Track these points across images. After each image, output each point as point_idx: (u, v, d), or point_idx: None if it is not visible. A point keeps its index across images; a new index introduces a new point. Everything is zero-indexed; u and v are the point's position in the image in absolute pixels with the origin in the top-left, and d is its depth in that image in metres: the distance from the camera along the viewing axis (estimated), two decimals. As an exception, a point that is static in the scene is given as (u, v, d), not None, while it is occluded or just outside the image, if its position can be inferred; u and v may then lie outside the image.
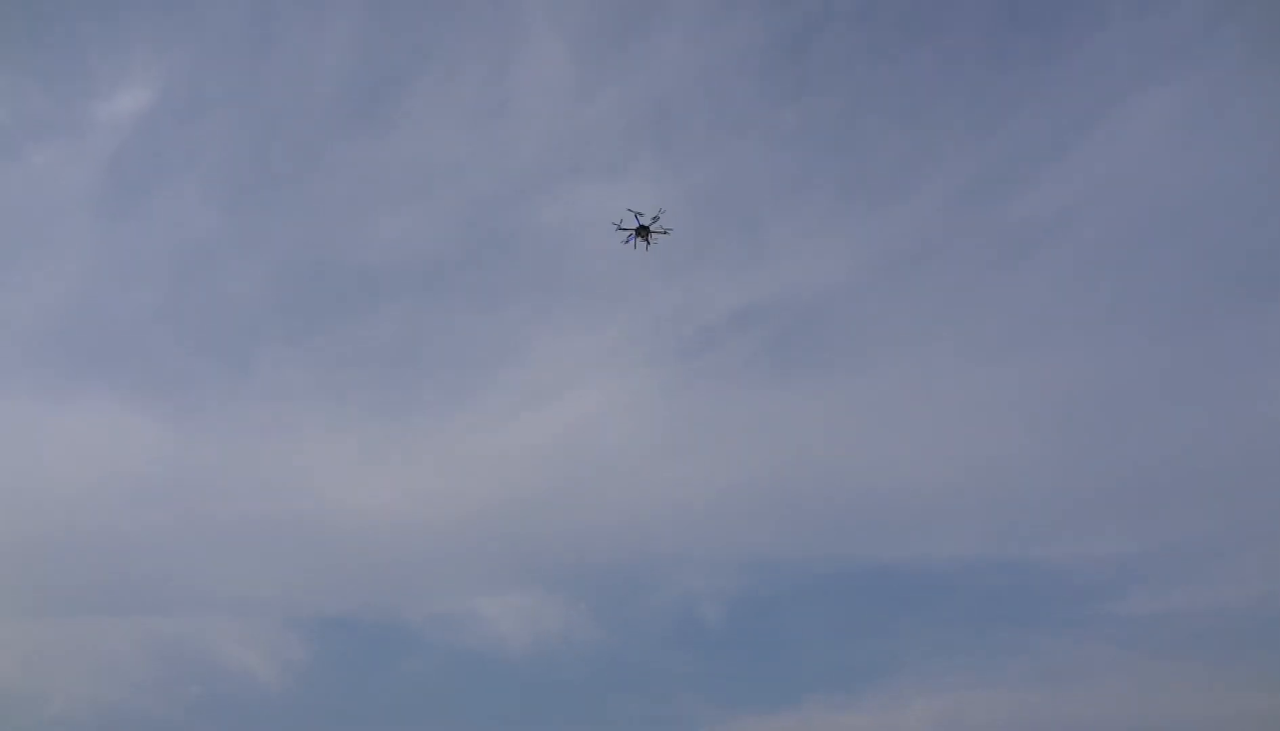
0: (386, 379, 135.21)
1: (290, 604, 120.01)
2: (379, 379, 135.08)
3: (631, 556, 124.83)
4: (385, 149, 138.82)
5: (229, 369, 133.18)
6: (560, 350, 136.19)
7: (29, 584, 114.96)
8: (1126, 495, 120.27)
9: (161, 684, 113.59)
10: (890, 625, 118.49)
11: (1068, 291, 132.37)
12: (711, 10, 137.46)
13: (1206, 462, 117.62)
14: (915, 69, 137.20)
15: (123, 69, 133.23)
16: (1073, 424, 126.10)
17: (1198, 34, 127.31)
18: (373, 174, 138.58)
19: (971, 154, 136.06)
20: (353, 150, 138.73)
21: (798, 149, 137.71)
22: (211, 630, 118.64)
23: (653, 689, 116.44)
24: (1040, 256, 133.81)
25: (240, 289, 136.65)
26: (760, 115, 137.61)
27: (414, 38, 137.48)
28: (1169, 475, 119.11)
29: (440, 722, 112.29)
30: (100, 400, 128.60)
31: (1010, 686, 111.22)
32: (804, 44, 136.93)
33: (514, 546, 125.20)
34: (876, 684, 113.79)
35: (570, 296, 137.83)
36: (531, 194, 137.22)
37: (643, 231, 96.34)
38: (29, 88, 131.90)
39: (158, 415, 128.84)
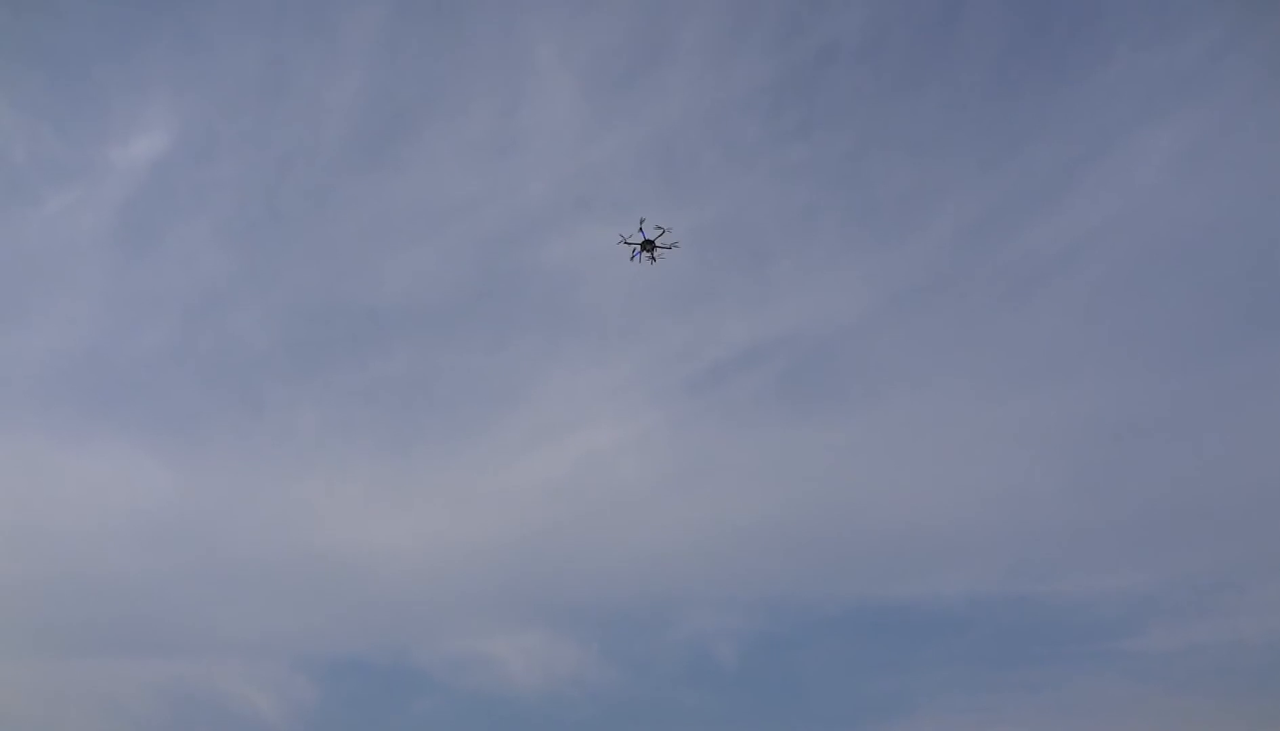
0: (396, 417, 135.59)
1: (299, 645, 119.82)
2: (389, 417, 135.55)
3: (643, 595, 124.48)
4: (395, 188, 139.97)
5: (239, 408, 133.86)
6: (569, 387, 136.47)
7: (37, 624, 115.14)
8: (1142, 528, 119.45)
9: (170, 725, 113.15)
10: (905, 662, 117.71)
11: (1079, 324, 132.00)
12: (719, 48, 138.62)
13: (1222, 494, 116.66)
14: (922, 104, 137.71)
15: (138, 113, 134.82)
16: (1086, 457, 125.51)
17: (1205, 65, 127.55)
18: (382, 213, 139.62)
19: (980, 188, 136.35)
20: (362, 190, 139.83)
21: (806, 184, 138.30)
22: (220, 671, 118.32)
23: (666, 729, 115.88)
24: (1050, 290, 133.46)
25: (251, 329, 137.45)
26: (768, 151, 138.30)
27: (424, 78, 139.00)
28: (1185, 507, 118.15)
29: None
30: (110, 441, 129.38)
31: (1027, 724, 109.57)
32: (811, 81, 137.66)
33: (525, 585, 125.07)
34: (891, 722, 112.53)
35: (579, 333, 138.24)
36: (540, 231, 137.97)
37: (648, 245, 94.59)
38: (45, 132, 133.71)
39: (168, 455, 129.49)
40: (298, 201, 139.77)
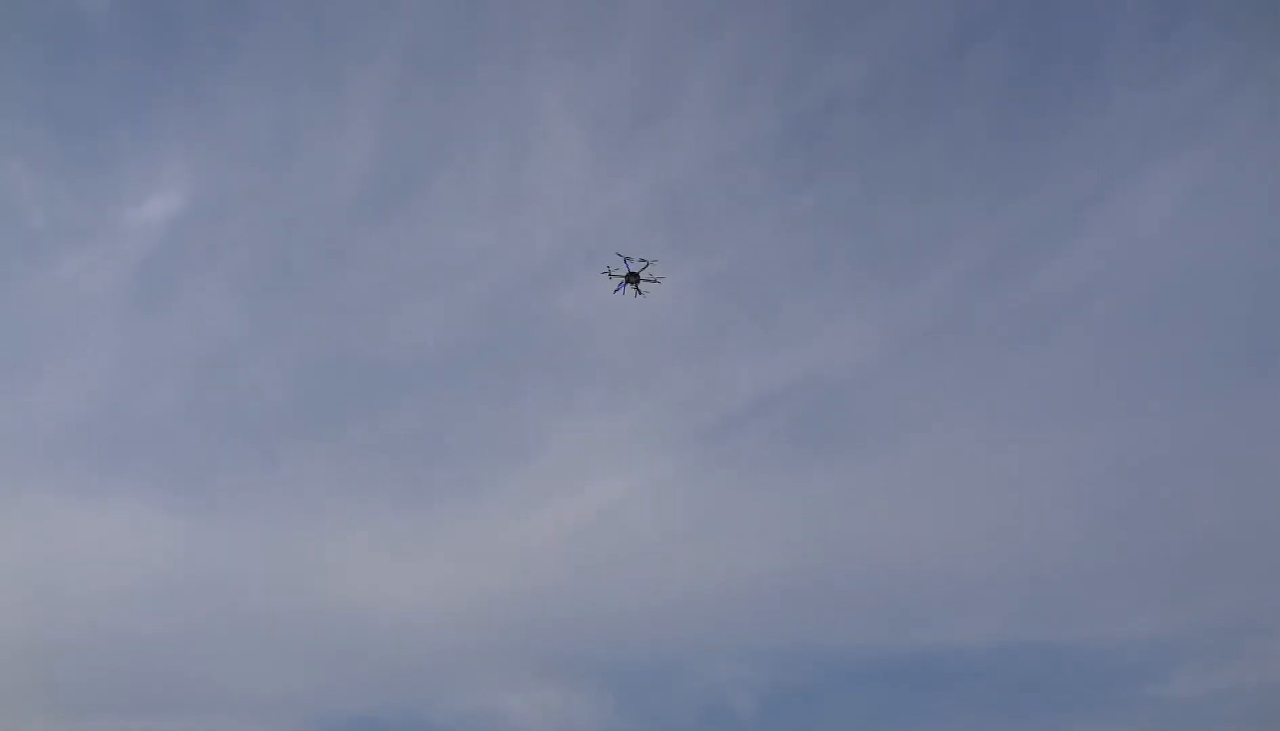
0: (409, 471, 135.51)
1: (311, 702, 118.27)
2: (401, 471, 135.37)
3: (658, 646, 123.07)
4: (405, 243, 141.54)
5: (251, 463, 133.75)
6: (581, 438, 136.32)
7: (50, 683, 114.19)
8: (1163, 571, 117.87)
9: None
10: (925, 711, 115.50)
11: (1090, 365, 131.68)
12: (724, 98, 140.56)
13: (1245, 534, 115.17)
14: (926, 150, 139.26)
15: (152, 174, 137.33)
16: (1103, 499, 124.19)
17: (1207, 104, 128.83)
18: (393, 268, 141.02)
19: (986, 231, 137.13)
20: (373, 245, 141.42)
21: (813, 231, 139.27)
22: (233, 730, 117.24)
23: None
24: (1061, 331, 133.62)
25: (263, 385, 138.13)
26: (775, 199, 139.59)
27: (432, 134, 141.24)
28: (1207, 549, 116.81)
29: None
30: (123, 497, 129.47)
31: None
32: (816, 128, 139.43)
33: (538, 639, 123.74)
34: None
35: (590, 384, 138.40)
36: (550, 283, 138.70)
37: (632, 278, 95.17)
38: (61, 194, 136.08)
39: (180, 512, 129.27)
40: (309, 258, 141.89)
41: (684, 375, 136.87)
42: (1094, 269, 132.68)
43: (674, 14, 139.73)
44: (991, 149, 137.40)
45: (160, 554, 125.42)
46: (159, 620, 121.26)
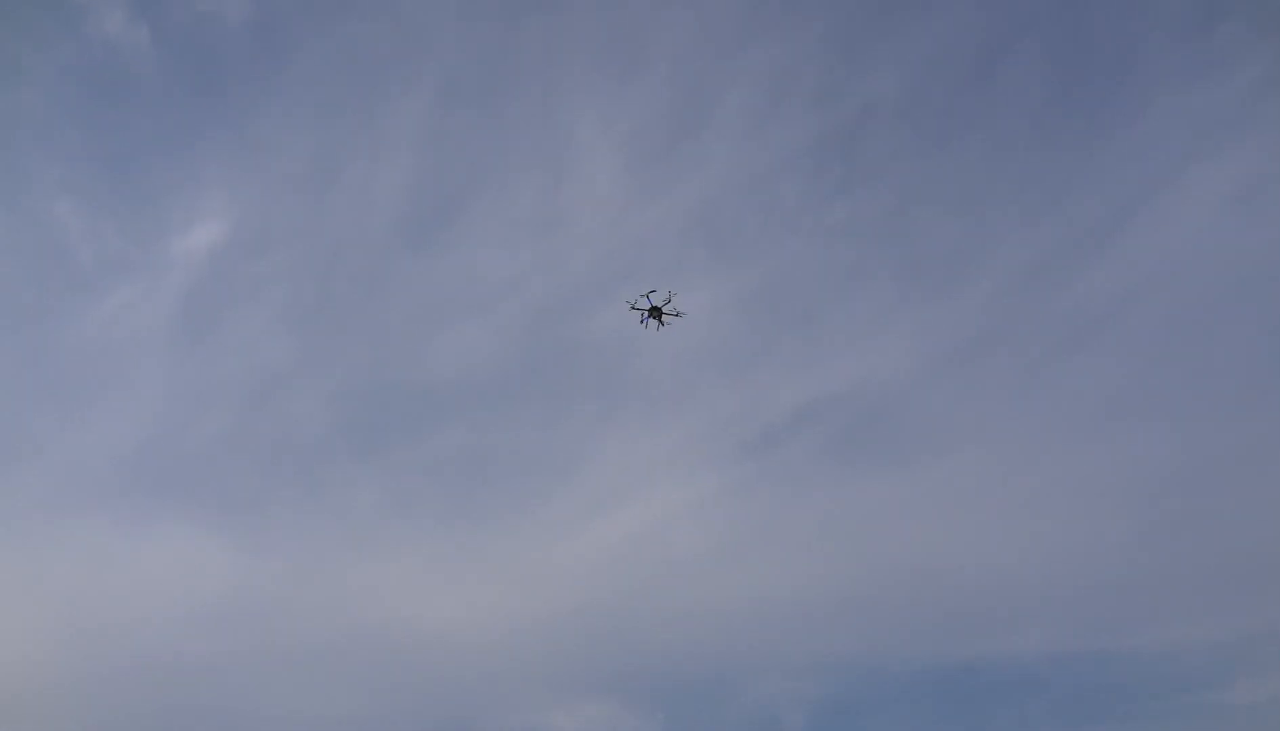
0: (453, 493, 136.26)
1: (363, 725, 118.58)
2: (446, 493, 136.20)
3: (707, 662, 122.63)
4: (444, 268, 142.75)
5: (298, 490, 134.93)
6: (624, 456, 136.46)
7: (101, 711, 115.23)
8: (1220, 577, 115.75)
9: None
10: (981, 724, 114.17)
11: (1138, 371, 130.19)
12: (758, 111, 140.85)
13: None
14: (963, 158, 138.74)
15: (196, 207, 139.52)
16: (1156, 506, 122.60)
17: (1248, 103, 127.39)
18: (433, 294, 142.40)
19: (1026, 239, 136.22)
20: (413, 271, 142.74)
21: (850, 243, 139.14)
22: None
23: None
24: (1107, 337, 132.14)
25: (308, 412, 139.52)
26: (812, 211, 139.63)
27: (468, 160, 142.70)
28: (1263, 554, 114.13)
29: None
30: (172, 527, 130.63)
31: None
32: (851, 139, 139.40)
33: (587, 656, 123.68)
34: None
35: (631, 402, 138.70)
36: (589, 302, 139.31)
37: (655, 312, 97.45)
38: (107, 228, 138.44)
39: (228, 539, 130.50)
40: (350, 285, 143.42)
41: (725, 391, 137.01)
42: (1137, 275, 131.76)
43: (705, 31, 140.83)
44: (1029, 156, 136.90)
45: (210, 581, 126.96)
46: (209, 647, 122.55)
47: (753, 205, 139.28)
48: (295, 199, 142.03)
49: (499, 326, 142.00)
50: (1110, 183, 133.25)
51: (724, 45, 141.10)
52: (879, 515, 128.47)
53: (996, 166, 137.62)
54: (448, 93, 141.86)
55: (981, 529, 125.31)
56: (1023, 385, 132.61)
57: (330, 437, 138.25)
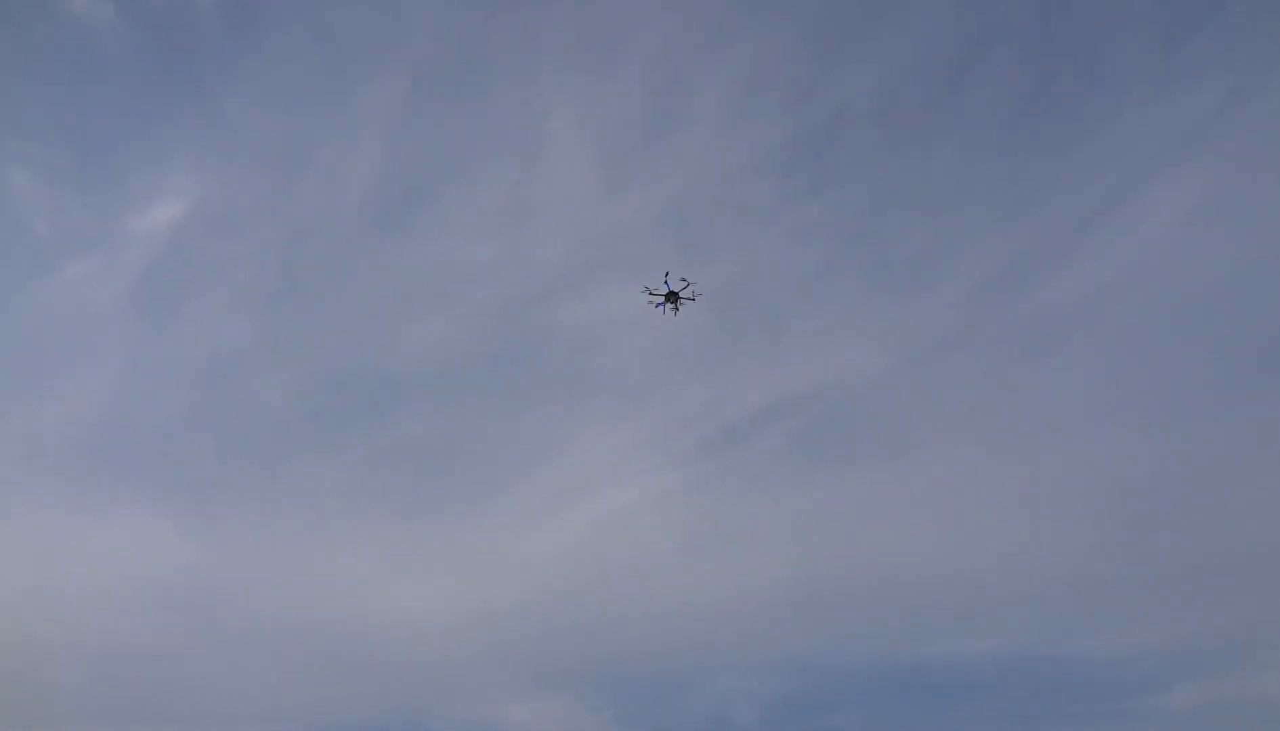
0: (413, 482, 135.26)
1: (315, 712, 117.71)
2: (406, 482, 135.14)
3: (662, 657, 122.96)
4: (412, 256, 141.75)
5: (255, 475, 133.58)
6: (587, 450, 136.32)
7: (51, 692, 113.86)
8: (1167, 584, 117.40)
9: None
10: (930, 723, 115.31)
11: (1098, 379, 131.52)
12: (732, 111, 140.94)
13: (1247, 548, 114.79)
14: (935, 162, 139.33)
15: (159, 183, 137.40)
16: (1108, 512, 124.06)
17: (1215, 116, 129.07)
18: (399, 280, 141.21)
19: (994, 244, 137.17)
20: (380, 257, 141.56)
21: (820, 243, 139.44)
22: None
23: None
24: (1068, 345, 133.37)
25: (268, 395, 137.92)
26: (782, 211, 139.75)
27: (440, 147, 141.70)
28: (1209, 562, 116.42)
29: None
30: (126, 508, 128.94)
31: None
32: (825, 139, 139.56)
33: (542, 650, 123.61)
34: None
35: (596, 396, 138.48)
36: (557, 295, 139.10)
37: (672, 297, 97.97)
38: (67, 202, 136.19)
39: (183, 522, 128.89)
40: (315, 269, 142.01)
41: (691, 387, 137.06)
42: (1102, 281, 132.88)
43: (683, 27, 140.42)
44: (1000, 161, 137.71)
45: (164, 564, 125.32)
46: (161, 630, 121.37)
47: (725, 202, 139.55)
48: (262, 180, 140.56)
49: (465, 316, 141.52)
50: (1079, 189, 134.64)
51: (701, 43, 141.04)
52: (841, 515, 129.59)
53: (967, 170, 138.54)
54: (422, 80, 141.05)
55: (940, 531, 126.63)
56: (986, 389, 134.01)
57: (290, 422, 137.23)
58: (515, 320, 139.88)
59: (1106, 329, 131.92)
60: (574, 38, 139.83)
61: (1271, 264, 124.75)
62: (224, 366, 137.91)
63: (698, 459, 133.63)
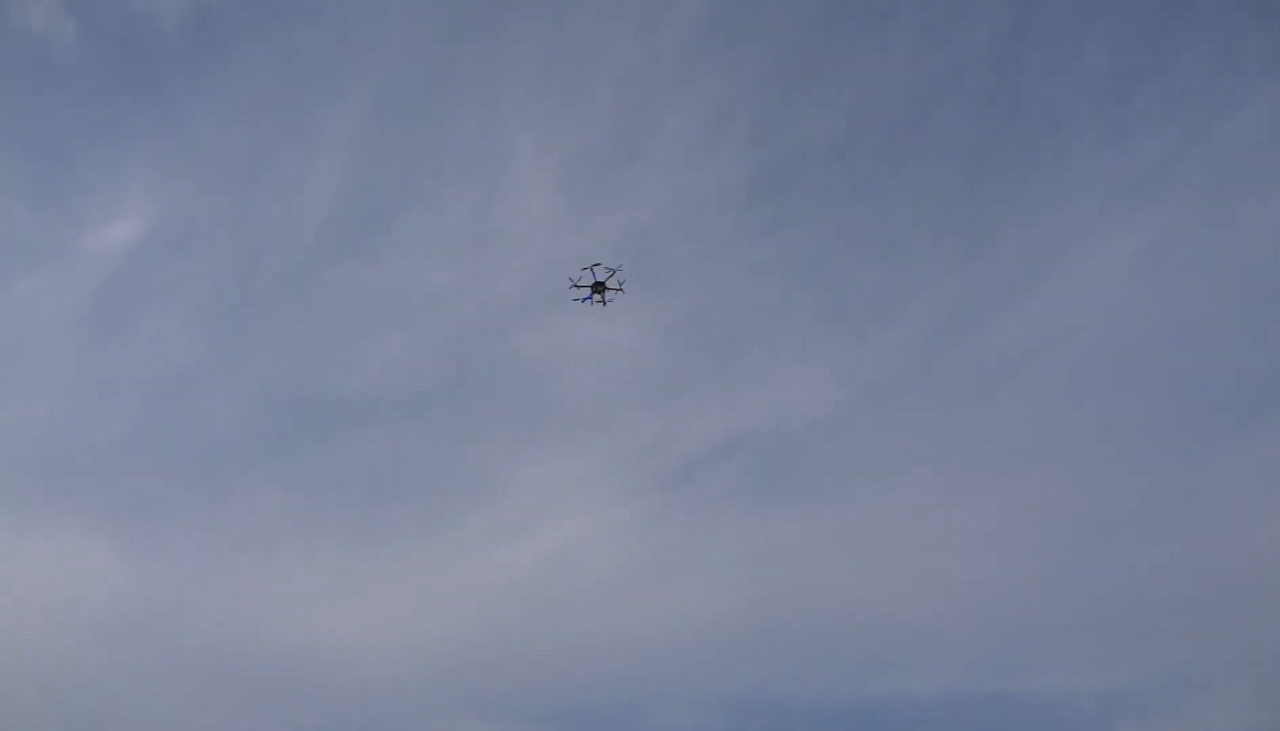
0: (365, 508, 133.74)
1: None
2: (357, 508, 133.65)
3: (612, 690, 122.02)
4: (369, 279, 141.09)
5: (202, 496, 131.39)
6: (540, 480, 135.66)
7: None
8: (1112, 625, 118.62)
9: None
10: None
11: (1046, 419, 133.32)
12: (694, 146, 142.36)
13: (1191, 590, 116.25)
14: (892, 203, 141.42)
15: (116, 200, 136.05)
16: (1055, 553, 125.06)
17: (1164, 165, 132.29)
18: (356, 303, 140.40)
19: (947, 285, 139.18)
20: (336, 280, 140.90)
21: (777, 280, 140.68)
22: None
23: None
24: (1017, 385, 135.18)
25: (217, 416, 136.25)
26: (741, 247, 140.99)
27: (401, 171, 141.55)
28: (1153, 604, 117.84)
29: None
30: (68, 527, 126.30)
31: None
32: (783, 179, 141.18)
33: (491, 680, 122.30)
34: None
35: (551, 426, 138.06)
36: (514, 324, 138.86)
37: (599, 288, 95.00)
38: (19, 214, 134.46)
39: (124, 544, 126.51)
40: (271, 289, 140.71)
41: (644, 419, 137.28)
42: (1050, 324, 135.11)
43: (649, 60, 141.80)
44: (955, 204, 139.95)
45: (104, 585, 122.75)
46: (100, 653, 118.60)
47: (685, 235, 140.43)
48: (220, 199, 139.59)
49: (421, 340, 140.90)
50: (1029, 234, 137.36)
51: (666, 77, 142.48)
52: (791, 551, 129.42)
53: (923, 213, 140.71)
54: (384, 103, 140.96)
55: (887, 570, 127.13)
56: (936, 429, 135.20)
57: (238, 443, 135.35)
58: (472, 347, 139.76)
59: (1055, 370, 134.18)
60: (539, 66, 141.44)
61: (1216, 310, 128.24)
62: (174, 386, 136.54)
63: (651, 491, 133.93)
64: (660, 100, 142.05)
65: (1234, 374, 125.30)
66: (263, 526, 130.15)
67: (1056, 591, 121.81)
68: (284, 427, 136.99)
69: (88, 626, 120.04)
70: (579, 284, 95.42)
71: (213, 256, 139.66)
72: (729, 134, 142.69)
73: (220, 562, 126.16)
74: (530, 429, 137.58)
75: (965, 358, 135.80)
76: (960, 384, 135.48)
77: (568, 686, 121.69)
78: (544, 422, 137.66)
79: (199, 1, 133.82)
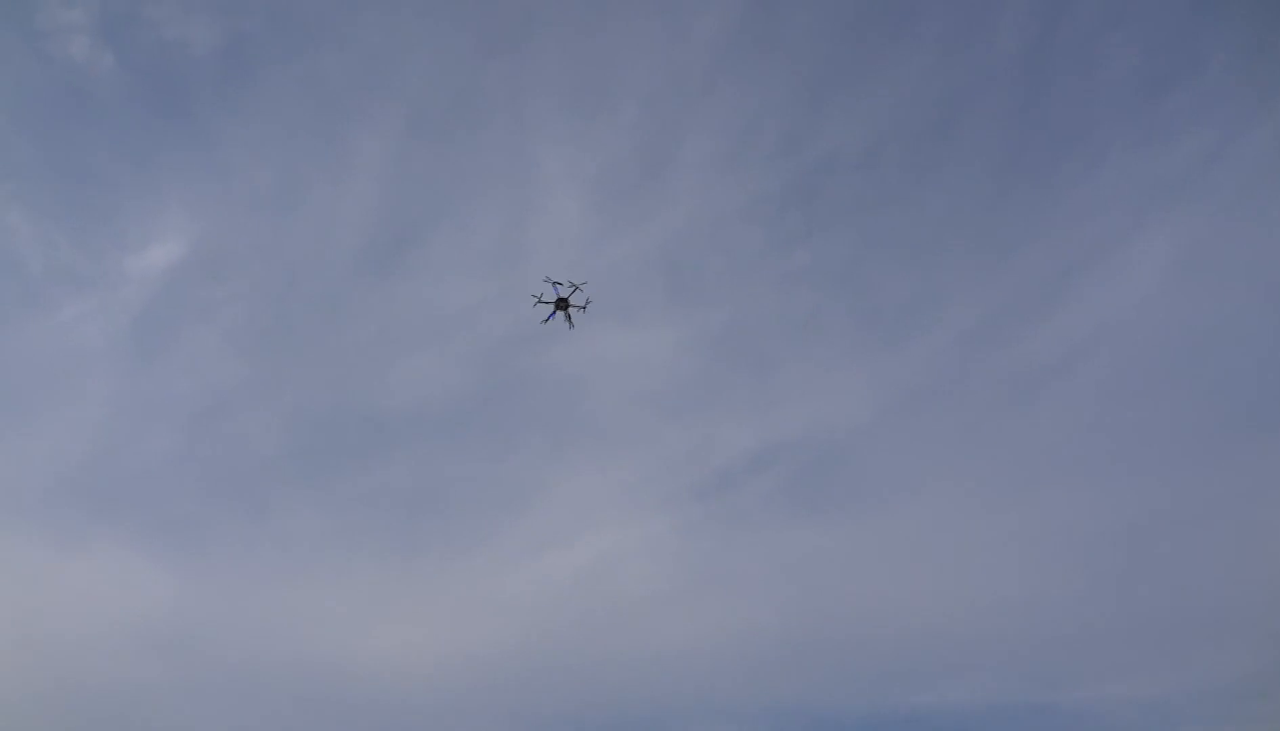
0: (401, 524, 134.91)
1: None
2: (393, 524, 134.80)
3: (648, 704, 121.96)
4: (403, 298, 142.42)
5: (241, 514, 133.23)
6: (574, 494, 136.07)
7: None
8: (1156, 634, 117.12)
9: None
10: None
11: (1082, 428, 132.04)
12: (723, 158, 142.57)
13: (1235, 598, 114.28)
14: (922, 211, 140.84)
15: (154, 225, 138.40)
16: (1095, 562, 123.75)
17: (1198, 168, 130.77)
18: (390, 322, 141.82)
19: (979, 294, 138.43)
20: (371, 300, 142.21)
21: (808, 290, 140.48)
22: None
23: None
24: (1052, 394, 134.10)
25: (256, 436, 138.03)
26: (772, 258, 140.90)
27: (433, 189, 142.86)
28: (1198, 613, 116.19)
29: None
30: (111, 546, 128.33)
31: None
32: (812, 189, 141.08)
33: (527, 694, 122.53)
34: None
35: (584, 440, 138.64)
36: (546, 340, 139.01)
37: (562, 304, 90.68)
38: (62, 241, 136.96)
39: (168, 561, 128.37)
40: (307, 311, 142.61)
41: (678, 432, 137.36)
42: (1086, 331, 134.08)
43: (674, 75, 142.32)
44: (986, 211, 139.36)
45: (149, 604, 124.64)
46: (145, 670, 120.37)
47: (714, 249, 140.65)
48: (256, 223, 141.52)
49: (455, 358, 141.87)
50: (1063, 240, 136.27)
51: (693, 90, 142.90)
52: (827, 562, 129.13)
53: (954, 221, 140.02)
54: (415, 124, 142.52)
55: (927, 579, 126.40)
56: (972, 438, 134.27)
57: (277, 463, 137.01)
58: (505, 363, 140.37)
59: (1092, 378, 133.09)
60: (567, 83, 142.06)
61: (1251, 316, 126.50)
62: (213, 407, 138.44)
63: (686, 504, 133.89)
64: (687, 112, 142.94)
65: (1271, 381, 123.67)
66: (302, 543, 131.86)
67: (1096, 601, 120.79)
68: (321, 446, 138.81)
69: (133, 643, 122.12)
70: (543, 299, 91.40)
71: (249, 279, 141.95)
72: (757, 145, 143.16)
73: (260, 579, 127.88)
74: (565, 443, 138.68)
75: (999, 365, 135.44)
76: (995, 392, 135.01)
77: (606, 699, 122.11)
78: (579, 437, 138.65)
79: (231, 29, 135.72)
